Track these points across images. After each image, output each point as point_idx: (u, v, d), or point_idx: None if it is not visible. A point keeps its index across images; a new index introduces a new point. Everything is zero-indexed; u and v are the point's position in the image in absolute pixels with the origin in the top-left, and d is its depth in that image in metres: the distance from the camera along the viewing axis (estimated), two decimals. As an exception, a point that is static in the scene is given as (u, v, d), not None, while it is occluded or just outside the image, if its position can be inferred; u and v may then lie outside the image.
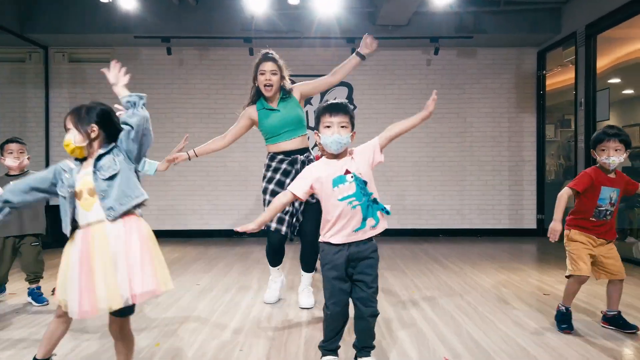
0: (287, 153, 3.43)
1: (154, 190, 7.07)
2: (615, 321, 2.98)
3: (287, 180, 3.35)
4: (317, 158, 4.28)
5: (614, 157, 2.84)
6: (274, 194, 3.27)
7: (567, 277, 3.00)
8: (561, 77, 7.79)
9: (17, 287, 4.05)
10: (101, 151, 2.03)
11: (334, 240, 2.28)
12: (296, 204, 3.35)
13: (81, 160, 2.08)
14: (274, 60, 3.41)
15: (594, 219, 2.93)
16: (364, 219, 2.25)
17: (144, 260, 1.94)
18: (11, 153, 3.62)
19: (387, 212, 2.32)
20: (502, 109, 7.42)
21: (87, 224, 1.98)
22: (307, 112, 7.30)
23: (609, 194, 2.90)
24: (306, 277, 3.57)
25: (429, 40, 6.89)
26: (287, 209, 3.30)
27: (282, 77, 3.42)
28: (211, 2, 6.70)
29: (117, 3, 6.07)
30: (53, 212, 3.81)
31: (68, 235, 2.02)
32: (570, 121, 9.10)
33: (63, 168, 2.05)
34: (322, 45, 7.21)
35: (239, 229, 2.29)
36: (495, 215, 7.42)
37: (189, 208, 7.33)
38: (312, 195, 2.52)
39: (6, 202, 2.05)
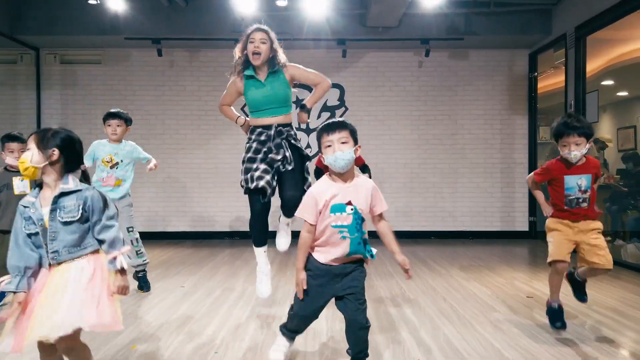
0: (268, 127, 3.29)
1: (145, 192, 7.07)
2: (575, 280, 3.09)
3: (263, 148, 3.25)
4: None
5: (575, 151, 2.82)
6: (250, 160, 3.23)
7: (549, 264, 2.99)
8: (555, 79, 7.78)
9: None
10: (64, 187, 1.98)
11: (319, 258, 2.28)
12: (275, 166, 3.21)
13: (37, 190, 2.01)
14: (264, 30, 3.29)
15: (567, 208, 2.92)
16: (350, 254, 2.23)
17: (102, 295, 1.92)
18: (12, 152, 3.62)
19: (372, 257, 2.30)
20: (494, 111, 7.41)
21: (54, 263, 1.95)
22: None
23: (575, 182, 2.88)
24: (285, 220, 3.46)
25: (420, 42, 6.89)
26: (265, 168, 3.18)
27: (273, 49, 3.28)
28: (201, 3, 6.71)
29: (106, 4, 6.08)
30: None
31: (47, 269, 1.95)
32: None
33: (24, 205, 1.97)
34: (312, 47, 7.21)
35: (298, 291, 2.29)
36: (487, 218, 7.40)
37: (179, 210, 7.32)
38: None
39: (27, 268, 1.94)
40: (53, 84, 7.33)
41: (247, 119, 3.47)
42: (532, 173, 3.07)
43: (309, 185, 3.24)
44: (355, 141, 2.27)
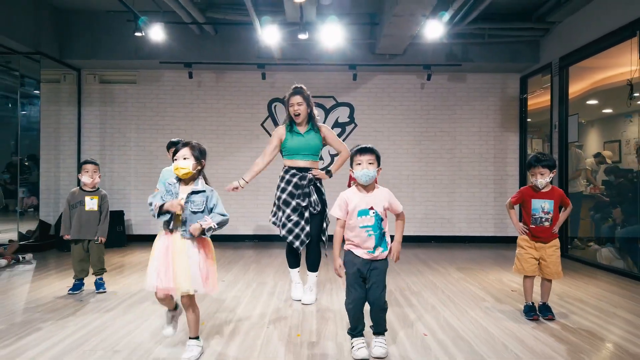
0: (300, 169, 4.14)
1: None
2: (540, 309, 3.79)
3: (296, 192, 4.09)
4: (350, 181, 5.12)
5: (540, 179, 3.64)
6: (285, 203, 4.11)
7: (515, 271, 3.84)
8: (544, 98, 8.60)
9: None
10: (195, 187, 2.83)
11: (355, 252, 2.99)
12: (306, 215, 4.08)
13: (178, 180, 2.86)
14: (300, 93, 4.13)
15: (533, 225, 3.72)
16: (375, 247, 2.94)
17: (207, 269, 2.83)
18: (87, 172, 4.58)
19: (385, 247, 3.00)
20: (488, 129, 8.25)
21: (167, 231, 2.81)
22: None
23: (540, 205, 3.68)
24: (312, 277, 4.23)
25: (422, 67, 7.73)
26: (296, 220, 4.07)
27: (309, 106, 4.15)
28: (229, 32, 7.54)
29: (147, 35, 6.89)
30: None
31: (168, 229, 2.79)
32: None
33: (169, 182, 2.86)
34: (327, 70, 8.05)
35: (339, 274, 2.98)
36: (482, 224, 8.23)
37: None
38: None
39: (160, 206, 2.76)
40: (92, 102, 8.15)
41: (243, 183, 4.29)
42: (509, 199, 3.91)
43: (326, 228, 4.20)
44: (379, 163, 2.99)
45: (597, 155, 8.47)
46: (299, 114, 4.10)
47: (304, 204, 4.05)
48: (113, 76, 8.16)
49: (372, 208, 2.93)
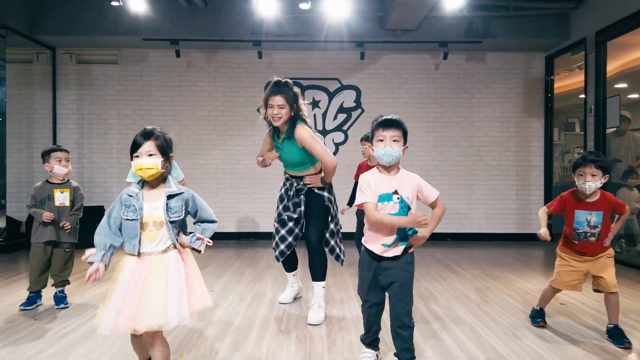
0: (292, 177, 3.61)
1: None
2: (610, 333, 3.06)
3: (287, 203, 3.59)
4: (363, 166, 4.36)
5: (590, 182, 2.95)
6: (278, 214, 3.65)
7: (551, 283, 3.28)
8: (565, 82, 7.80)
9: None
10: (170, 190, 2.23)
11: (372, 248, 2.43)
12: (289, 225, 3.55)
13: (140, 187, 2.23)
14: (283, 93, 3.36)
15: (575, 241, 3.09)
16: (397, 240, 2.38)
17: (195, 283, 2.22)
18: (59, 161, 3.76)
19: (414, 233, 2.43)
20: (509, 114, 7.43)
21: (148, 253, 2.17)
22: (315, 115, 7.31)
23: (585, 217, 3.03)
24: (317, 288, 3.54)
25: (438, 44, 6.89)
26: (290, 226, 3.55)
27: (293, 109, 3.41)
28: (220, 5, 6.69)
29: (127, 6, 6.05)
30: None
31: (136, 254, 2.16)
32: (574, 125, 9.14)
33: (128, 194, 2.19)
34: (331, 49, 7.21)
35: (421, 223, 2.30)
36: (502, 220, 7.43)
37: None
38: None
39: (111, 246, 2.18)
40: (69, 84, 7.30)
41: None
42: (545, 206, 3.24)
43: (333, 232, 3.60)
44: (405, 140, 2.42)
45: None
46: (280, 117, 3.38)
47: (295, 215, 3.55)
48: (92, 56, 7.30)
49: (396, 192, 2.37)
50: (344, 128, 7.39)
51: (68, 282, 3.87)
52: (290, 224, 3.55)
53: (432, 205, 2.45)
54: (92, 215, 6.54)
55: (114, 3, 5.60)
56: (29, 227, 6.25)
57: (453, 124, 7.42)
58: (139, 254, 2.16)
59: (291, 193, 3.55)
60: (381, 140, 2.39)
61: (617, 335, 2.99)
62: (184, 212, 2.22)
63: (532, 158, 7.44)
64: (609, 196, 3.06)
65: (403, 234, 2.39)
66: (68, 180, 3.91)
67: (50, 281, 3.84)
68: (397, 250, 2.40)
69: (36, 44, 6.86)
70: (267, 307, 3.78)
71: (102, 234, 2.17)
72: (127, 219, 2.15)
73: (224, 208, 7.30)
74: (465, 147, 7.43)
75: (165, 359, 2.22)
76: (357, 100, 7.42)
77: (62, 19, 6.62)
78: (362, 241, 2.51)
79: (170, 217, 2.18)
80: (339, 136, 7.39)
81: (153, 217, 2.17)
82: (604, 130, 5.99)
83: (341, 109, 7.40)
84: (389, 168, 2.42)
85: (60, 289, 3.82)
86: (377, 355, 2.63)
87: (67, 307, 3.74)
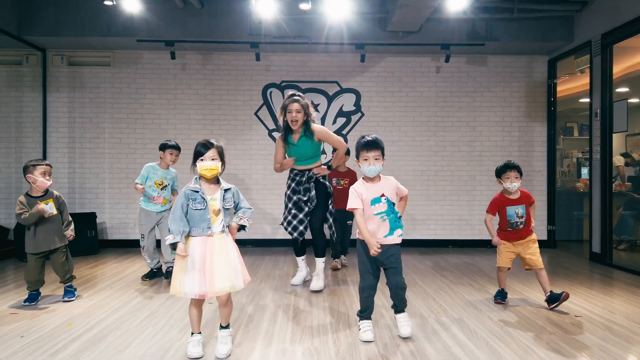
0: (301, 171, 4.54)
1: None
2: (550, 297, 3.90)
3: (298, 188, 4.50)
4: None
5: (515, 183, 3.95)
6: (289, 198, 4.55)
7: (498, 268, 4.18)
8: (564, 86, 7.68)
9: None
10: (225, 186, 2.88)
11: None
12: (305, 209, 4.49)
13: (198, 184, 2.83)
14: (298, 101, 4.32)
15: (509, 229, 4.05)
16: (392, 229, 3.14)
17: (240, 259, 2.89)
18: (44, 174, 3.92)
19: (401, 227, 3.20)
20: (512, 118, 7.29)
21: (210, 233, 2.78)
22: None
23: (514, 211, 4.01)
24: (319, 262, 4.55)
25: (440, 47, 6.74)
26: (295, 213, 4.50)
27: (307, 114, 4.35)
28: (217, 5, 6.50)
29: (120, 6, 5.85)
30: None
31: (208, 234, 2.77)
32: (572, 129, 9.03)
33: (193, 190, 2.80)
34: (331, 51, 7.04)
35: (374, 252, 3.00)
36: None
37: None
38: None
39: (183, 231, 2.73)
40: (60, 87, 7.07)
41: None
42: (486, 211, 4.19)
43: (330, 212, 4.59)
44: (384, 155, 3.14)
45: (627, 156, 7.60)
46: (297, 121, 4.32)
47: (304, 198, 4.45)
48: (84, 57, 7.08)
49: (383, 195, 3.13)
50: (344, 132, 7.22)
51: (74, 277, 4.17)
52: (305, 208, 4.46)
53: (402, 198, 3.26)
54: (84, 222, 6.35)
55: (107, 3, 5.40)
56: (18, 235, 6.04)
57: (454, 128, 7.27)
58: (211, 234, 2.76)
59: (303, 180, 4.45)
60: (366, 160, 3.10)
61: (555, 297, 3.87)
62: (233, 202, 2.88)
63: (535, 163, 7.30)
64: (523, 192, 4.06)
65: (395, 225, 3.15)
66: (47, 191, 4.02)
67: (50, 279, 4.15)
68: (397, 240, 3.17)
69: (26, 45, 6.64)
70: (270, 321, 3.59)
71: (177, 221, 2.71)
72: (195, 209, 2.74)
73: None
74: (466, 152, 7.27)
75: (230, 314, 2.96)
76: (357, 104, 7.25)
77: (53, 19, 6.40)
78: (358, 236, 3.16)
79: (225, 206, 2.83)
80: (338, 140, 7.21)
81: (213, 206, 2.78)
82: (611, 134, 5.86)
83: (340, 113, 7.23)
84: (374, 179, 3.16)
85: (68, 284, 4.11)
86: (371, 324, 3.23)
87: (73, 300, 4.04)
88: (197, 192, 2.78)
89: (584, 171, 8.91)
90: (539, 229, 7.28)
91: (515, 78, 7.28)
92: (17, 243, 6.06)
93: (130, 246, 6.95)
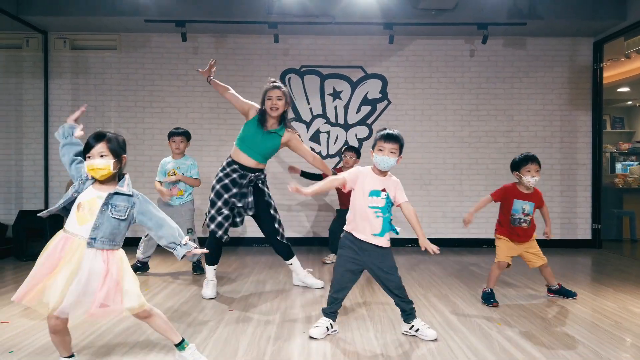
0: (242, 166, 3.90)
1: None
2: (559, 291, 3.89)
3: (234, 190, 3.87)
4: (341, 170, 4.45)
5: (535, 177, 3.66)
6: (218, 194, 3.88)
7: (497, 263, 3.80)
8: (617, 70, 7.06)
9: None
10: (119, 189, 2.23)
11: (357, 235, 2.91)
12: (235, 211, 3.94)
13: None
14: (280, 88, 3.92)
15: (512, 225, 3.70)
16: (384, 231, 2.88)
17: (114, 287, 2.15)
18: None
19: (396, 232, 2.92)
20: (553, 106, 6.66)
21: (72, 234, 2.15)
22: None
23: (521, 206, 3.69)
24: (295, 263, 4.22)
25: (476, 27, 6.13)
26: (226, 214, 3.86)
27: (287, 104, 3.92)
28: (233, -19, 5.94)
29: (128, -20, 5.32)
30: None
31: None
32: (623, 120, 8.36)
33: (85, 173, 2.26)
34: (355, 33, 6.47)
35: (292, 189, 2.76)
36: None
37: (203, 212, 6.55)
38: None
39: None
40: (63, 72, 6.55)
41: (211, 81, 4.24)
42: (489, 194, 3.88)
43: (279, 222, 4.08)
44: (401, 152, 2.90)
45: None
46: (277, 108, 3.89)
47: (239, 204, 3.92)
48: (88, 40, 6.55)
49: (384, 190, 2.90)
50: (368, 122, 6.63)
51: None
52: (235, 211, 3.93)
53: (402, 206, 2.93)
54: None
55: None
56: (17, 231, 5.53)
57: (490, 118, 6.66)
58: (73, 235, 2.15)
59: (243, 182, 3.88)
60: (381, 150, 2.86)
61: (563, 291, 3.88)
62: (127, 214, 2.22)
63: (578, 156, 6.66)
64: (538, 191, 3.80)
65: (387, 228, 2.90)
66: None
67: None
68: (387, 244, 2.92)
69: (25, 27, 6.12)
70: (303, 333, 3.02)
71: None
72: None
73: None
74: (503, 143, 6.66)
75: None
76: (383, 91, 6.66)
77: (54, -2, 5.88)
78: (345, 228, 2.98)
79: (111, 214, 2.19)
80: (362, 131, 6.64)
81: (89, 204, 2.19)
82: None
83: (365, 101, 6.65)
84: (382, 172, 2.92)
85: None
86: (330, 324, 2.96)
87: None
88: (82, 180, 2.27)
89: (618, 166, 8.33)
90: (583, 228, 6.66)
91: (556, 62, 6.66)
92: (15, 241, 5.55)
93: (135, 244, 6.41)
